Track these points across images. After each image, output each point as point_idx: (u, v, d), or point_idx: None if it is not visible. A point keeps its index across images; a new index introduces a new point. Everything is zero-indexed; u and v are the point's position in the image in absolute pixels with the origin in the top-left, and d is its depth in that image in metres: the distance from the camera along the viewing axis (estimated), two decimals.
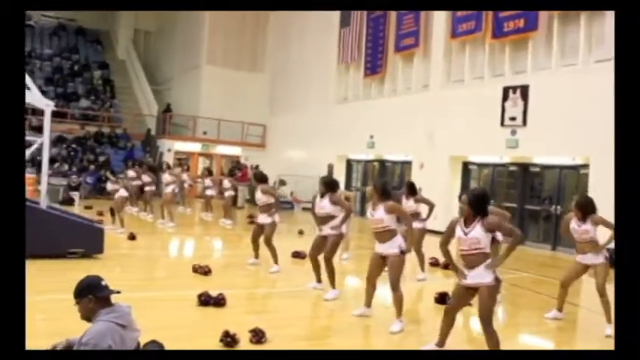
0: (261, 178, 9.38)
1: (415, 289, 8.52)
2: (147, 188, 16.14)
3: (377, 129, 20.17)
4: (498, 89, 15.44)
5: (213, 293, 6.80)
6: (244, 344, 5.30)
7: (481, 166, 17.20)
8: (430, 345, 5.39)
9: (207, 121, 26.34)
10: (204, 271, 8.54)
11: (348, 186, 22.76)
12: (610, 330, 6.19)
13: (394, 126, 19.19)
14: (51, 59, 29.56)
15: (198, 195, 18.53)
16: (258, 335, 5.45)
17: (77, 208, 17.54)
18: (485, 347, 4.97)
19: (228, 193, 16.43)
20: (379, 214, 6.25)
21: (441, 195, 17.33)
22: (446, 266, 9.77)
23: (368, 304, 6.61)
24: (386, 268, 6.29)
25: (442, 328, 5.33)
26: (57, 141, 23.34)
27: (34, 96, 9.38)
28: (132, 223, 15.99)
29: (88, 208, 16.85)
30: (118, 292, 3.40)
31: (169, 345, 5.28)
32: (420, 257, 9.31)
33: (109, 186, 12.91)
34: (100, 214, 14.37)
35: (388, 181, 6.80)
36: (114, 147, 24.93)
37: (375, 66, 20.60)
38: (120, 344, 3.17)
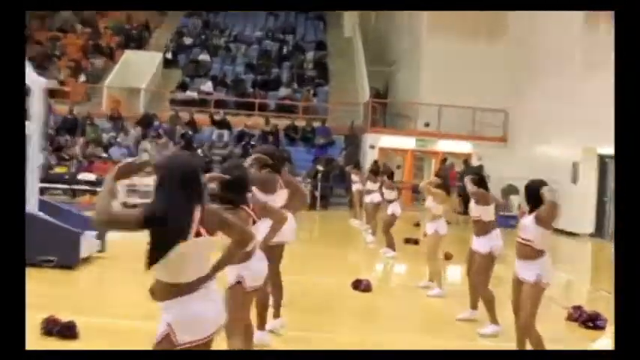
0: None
1: None
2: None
3: None
4: None
5: (64, 319, 6.06)
6: None
7: None
8: None
9: (428, 109, 24.94)
10: None
11: (600, 197, 19.36)
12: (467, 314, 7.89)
13: None
14: (259, 42, 31.70)
15: None
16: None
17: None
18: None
19: None
20: None
21: None
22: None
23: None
24: None
25: None
26: (238, 137, 24.61)
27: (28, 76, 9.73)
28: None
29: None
30: None
31: None
32: None
33: None
34: None
35: None
36: (307, 143, 25.30)
37: None
38: None
